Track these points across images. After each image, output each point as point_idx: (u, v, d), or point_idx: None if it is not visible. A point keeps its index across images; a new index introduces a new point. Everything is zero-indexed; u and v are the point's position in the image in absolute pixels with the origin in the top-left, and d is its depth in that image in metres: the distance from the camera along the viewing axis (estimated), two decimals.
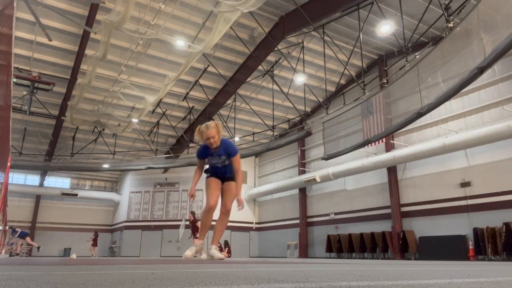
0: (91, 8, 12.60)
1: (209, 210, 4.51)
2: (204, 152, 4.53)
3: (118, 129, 19.46)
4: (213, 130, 4.29)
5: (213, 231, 4.65)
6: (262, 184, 24.00)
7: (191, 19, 14.28)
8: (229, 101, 18.72)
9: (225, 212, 4.59)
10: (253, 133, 19.87)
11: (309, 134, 17.16)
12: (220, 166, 4.56)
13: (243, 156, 19.65)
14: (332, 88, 18.67)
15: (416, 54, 11.71)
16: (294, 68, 15.99)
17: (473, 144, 12.64)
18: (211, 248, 4.59)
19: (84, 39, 13.89)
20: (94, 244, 20.09)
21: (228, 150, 4.49)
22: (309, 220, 20.72)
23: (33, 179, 24.58)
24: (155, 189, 24.18)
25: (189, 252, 4.51)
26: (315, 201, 20.59)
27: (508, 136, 11.71)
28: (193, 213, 13.20)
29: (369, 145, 15.56)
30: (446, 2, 10.29)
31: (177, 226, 22.69)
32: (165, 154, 21.85)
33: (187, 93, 18.40)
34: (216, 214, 4.54)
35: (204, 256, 4.96)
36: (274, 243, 22.65)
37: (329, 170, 18.13)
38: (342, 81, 18.37)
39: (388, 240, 15.48)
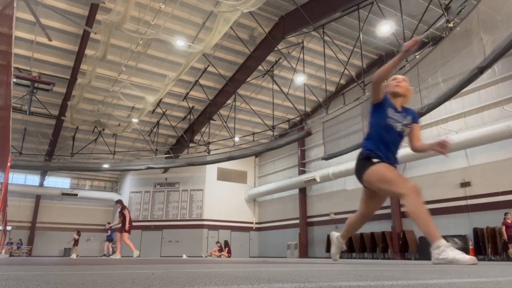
0: (91, 8, 12.60)
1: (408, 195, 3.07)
2: (386, 99, 3.41)
3: (118, 129, 19.46)
4: (407, 85, 3.50)
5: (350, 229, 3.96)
6: (262, 184, 24.01)
7: (191, 19, 14.28)
8: (229, 101, 18.72)
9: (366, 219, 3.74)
10: (253, 133, 19.87)
11: (309, 134, 17.16)
12: (399, 130, 3.34)
13: (243, 156, 19.68)
14: (332, 88, 18.67)
15: (416, 54, 11.71)
16: (294, 68, 15.98)
17: (473, 144, 12.64)
18: (439, 247, 2.88)
19: (84, 39, 13.89)
20: (76, 244, 19.27)
21: (414, 114, 3.49)
22: (309, 220, 20.72)
23: (33, 179, 24.58)
24: (155, 189, 24.19)
25: (334, 249, 4.00)
26: (315, 201, 20.58)
27: (508, 136, 11.71)
28: (120, 201, 11.09)
29: None
30: (446, 2, 10.29)
31: (176, 227, 22.81)
32: (165, 154, 21.86)
33: (187, 93, 18.40)
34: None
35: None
36: (274, 243, 22.65)
37: (329, 170, 18.13)
38: (342, 81, 18.37)
39: (388, 240, 15.49)
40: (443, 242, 2.90)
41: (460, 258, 2.75)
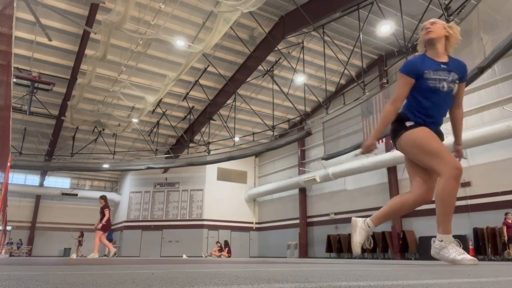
0: (91, 8, 12.60)
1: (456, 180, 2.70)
2: (420, 63, 2.86)
3: (118, 129, 19.47)
4: (439, 25, 2.90)
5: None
6: (262, 184, 24.01)
7: (191, 19, 14.29)
8: (229, 101, 18.73)
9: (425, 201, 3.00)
10: (253, 133, 19.87)
11: (309, 134, 17.17)
12: (446, 90, 2.85)
13: (243, 156, 19.68)
14: (332, 88, 18.68)
15: (416, 54, 11.69)
16: (294, 68, 15.99)
17: (473, 144, 12.64)
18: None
19: (84, 39, 13.89)
20: (80, 244, 19.51)
21: (462, 68, 2.92)
22: (309, 220, 20.72)
23: (33, 179, 24.59)
24: (155, 189, 24.19)
25: (359, 237, 3.12)
26: (315, 201, 20.59)
27: (508, 136, 11.71)
28: (104, 198, 10.35)
29: None
30: (446, 2, 10.29)
31: (176, 227, 22.81)
32: (165, 154, 21.86)
33: (187, 93, 18.40)
34: None
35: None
36: (274, 243, 22.65)
37: (329, 170, 18.13)
38: (342, 81, 18.38)
39: (388, 240, 15.49)
40: (448, 238, 2.72)
41: (460, 260, 2.62)
